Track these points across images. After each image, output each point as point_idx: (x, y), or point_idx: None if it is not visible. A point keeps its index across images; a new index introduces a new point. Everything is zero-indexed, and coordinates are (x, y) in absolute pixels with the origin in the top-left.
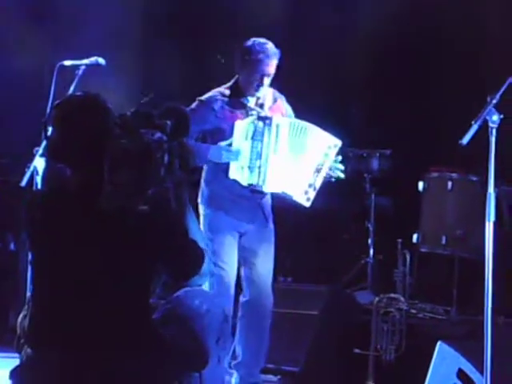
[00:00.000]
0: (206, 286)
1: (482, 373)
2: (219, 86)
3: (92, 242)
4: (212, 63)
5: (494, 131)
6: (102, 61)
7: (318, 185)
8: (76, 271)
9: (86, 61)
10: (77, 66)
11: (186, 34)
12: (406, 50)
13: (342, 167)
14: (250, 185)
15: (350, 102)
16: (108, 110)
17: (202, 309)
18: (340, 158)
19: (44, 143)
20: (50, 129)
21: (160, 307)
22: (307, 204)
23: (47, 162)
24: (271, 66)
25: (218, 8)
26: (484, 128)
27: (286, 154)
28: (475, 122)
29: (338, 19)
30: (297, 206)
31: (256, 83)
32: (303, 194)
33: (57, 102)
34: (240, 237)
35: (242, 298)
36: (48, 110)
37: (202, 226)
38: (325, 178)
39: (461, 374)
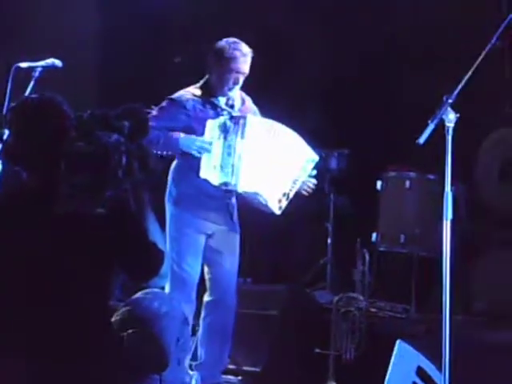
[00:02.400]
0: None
1: (440, 370)
2: (182, 87)
3: (48, 245)
4: (171, 65)
5: (451, 130)
6: (58, 63)
7: (291, 195)
8: (32, 275)
9: (42, 62)
10: (33, 68)
11: (146, 34)
12: (364, 50)
13: (314, 182)
14: (222, 184)
15: (307, 102)
16: (64, 112)
17: (161, 311)
18: (315, 172)
19: (0, 146)
20: (6, 131)
21: (119, 309)
22: (278, 212)
23: (4, 165)
24: (246, 64)
25: (184, 12)
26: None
27: (260, 154)
28: (432, 122)
29: (299, 22)
30: (264, 212)
31: (231, 81)
32: (277, 202)
33: (12, 104)
34: (207, 238)
35: (206, 298)
36: (4, 113)
37: (168, 226)
38: (297, 190)
39: (420, 371)
